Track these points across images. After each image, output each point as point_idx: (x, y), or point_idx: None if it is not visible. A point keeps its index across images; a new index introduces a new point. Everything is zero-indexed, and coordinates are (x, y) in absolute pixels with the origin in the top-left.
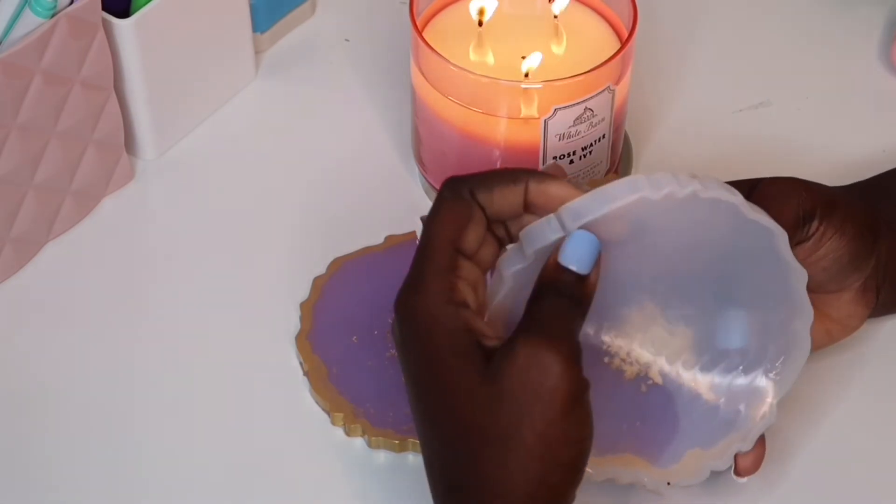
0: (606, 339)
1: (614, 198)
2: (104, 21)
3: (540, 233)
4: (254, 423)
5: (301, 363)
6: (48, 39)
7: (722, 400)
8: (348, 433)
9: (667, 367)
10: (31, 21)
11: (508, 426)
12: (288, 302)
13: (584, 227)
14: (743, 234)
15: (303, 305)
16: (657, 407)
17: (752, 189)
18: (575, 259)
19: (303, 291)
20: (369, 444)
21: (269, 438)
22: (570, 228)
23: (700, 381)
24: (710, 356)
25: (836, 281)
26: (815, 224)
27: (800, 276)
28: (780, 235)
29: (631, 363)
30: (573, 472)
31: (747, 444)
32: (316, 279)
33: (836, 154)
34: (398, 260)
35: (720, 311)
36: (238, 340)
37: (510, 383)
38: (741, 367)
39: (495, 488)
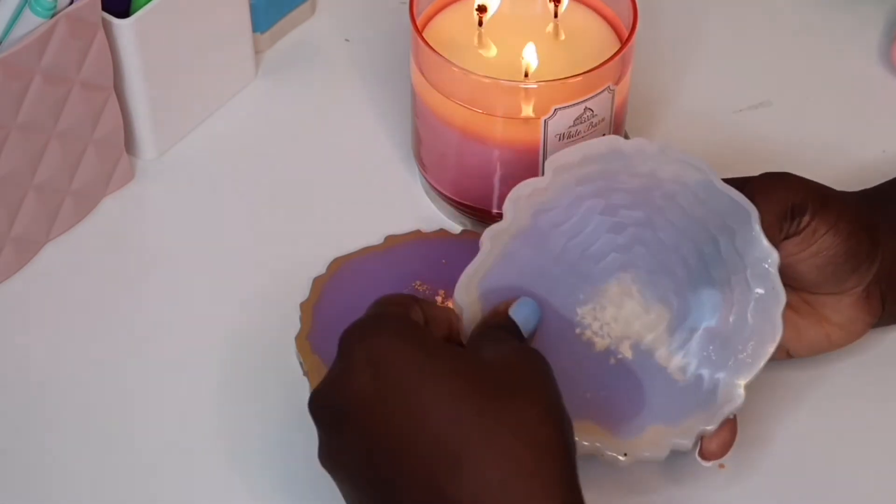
0: (580, 310)
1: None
2: (104, 21)
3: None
4: (254, 423)
5: (301, 363)
6: (48, 39)
7: (690, 379)
8: None
9: (638, 343)
10: (31, 21)
11: (520, 389)
12: (288, 302)
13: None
14: (718, 212)
15: (303, 305)
16: (624, 380)
17: (745, 184)
18: (522, 318)
19: (303, 291)
20: None
21: (269, 438)
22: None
23: (671, 359)
24: (684, 335)
25: (833, 282)
26: (806, 218)
27: (772, 258)
28: (754, 214)
29: (602, 336)
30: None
31: (712, 426)
32: (316, 279)
33: (836, 154)
34: (398, 260)
35: (697, 290)
36: (238, 340)
37: (509, 365)
38: (712, 348)
39: (523, 438)
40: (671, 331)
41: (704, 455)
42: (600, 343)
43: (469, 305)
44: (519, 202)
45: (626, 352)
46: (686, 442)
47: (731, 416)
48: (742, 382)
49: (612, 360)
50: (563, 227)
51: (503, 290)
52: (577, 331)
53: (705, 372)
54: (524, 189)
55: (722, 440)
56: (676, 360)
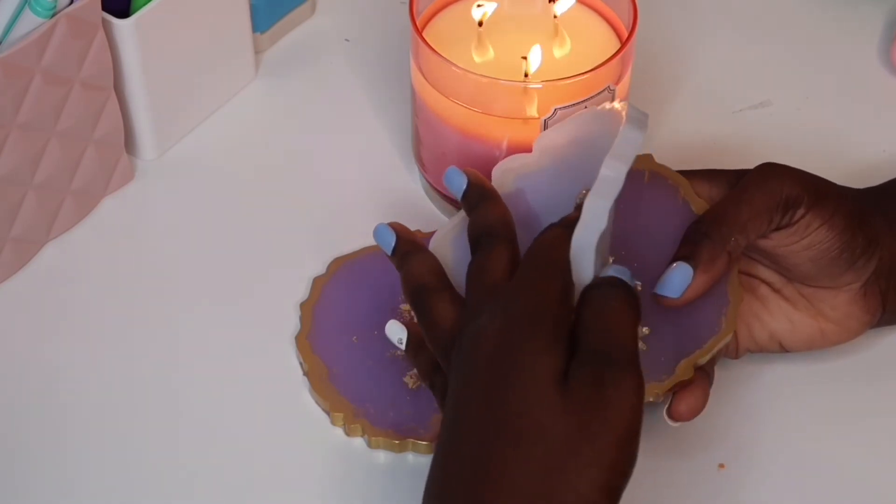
0: None
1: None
2: (104, 21)
3: None
4: (254, 423)
5: (301, 363)
6: (48, 39)
7: (649, 351)
8: (348, 433)
9: None
10: (31, 21)
11: (567, 435)
12: (288, 302)
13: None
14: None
15: (303, 305)
16: None
17: (744, 173)
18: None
19: (303, 291)
20: (369, 444)
21: (269, 438)
22: None
23: None
24: (651, 309)
25: (828, 275)
26: (800, 211)
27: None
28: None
29: None
30: (612, 502)
31: (660, 395)
32: (316, 279)
33: (836, 154)
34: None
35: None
36: (238, 341)
37: (581, 395)
38: (673, 321)
39: (536, 497)
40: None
41: (673, 416)
42: None
43: (441, 259)
44: (507, 173)
45: None
46: None
47: (674, 391)
48: (692, 359)
49: None
50: (542, 197)
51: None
52: None
53: (665, 345)
54: (513, 162)
55: (691, 404)
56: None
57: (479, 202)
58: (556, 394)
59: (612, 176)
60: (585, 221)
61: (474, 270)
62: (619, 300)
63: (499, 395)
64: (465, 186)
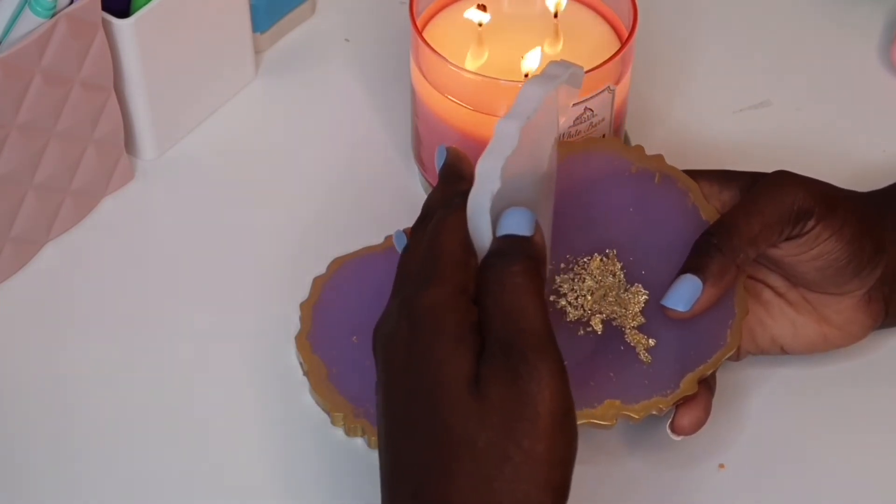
0: (559, 278)
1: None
2: (104, 21)
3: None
4: (253, 423)
5: (301, 363)
6: (48, 39)
7: (655, 362)
8: (348, 433)
9: (610, 320)
10: (31, 21)
11: (493, 442)
12: (288, 302)
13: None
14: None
15: (303, 305)
16: (588, 353)
17: (757, 179)
18: (512, 228)
19: (303, 291)
20: (369, 444)
21: (269, 439)
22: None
23: (638, 340)
24: (657, 319)
25: (833, 283)
26: (811, 223)
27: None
28: (694, 190)
29: (576, 307)
30: (559, 496)
31: (664, 409)
32: (316, 279)
33: (836, 154)
34: (398, 260)
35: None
36: (238, 340)
37: (497, 395)
38: (681, 334)
39: None
40: (647, 314)
41: (675, 430)
42: (573, 314)
43: None
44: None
45: (597, 326)
46: (636, 416)
47: (676, 404)
48: (697, 373)
49: (581, 332)
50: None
51: None
52: (552, 298)
53: (670, 357)
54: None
55: (693, 417)
56: (644, 342)
57: (437, 182)
58: (471, 401)
59: (502, 135)
60: (477, 184)
61: (402, 254)
62: (515, 275)
63: (417, 416)
64: (441, 165)
